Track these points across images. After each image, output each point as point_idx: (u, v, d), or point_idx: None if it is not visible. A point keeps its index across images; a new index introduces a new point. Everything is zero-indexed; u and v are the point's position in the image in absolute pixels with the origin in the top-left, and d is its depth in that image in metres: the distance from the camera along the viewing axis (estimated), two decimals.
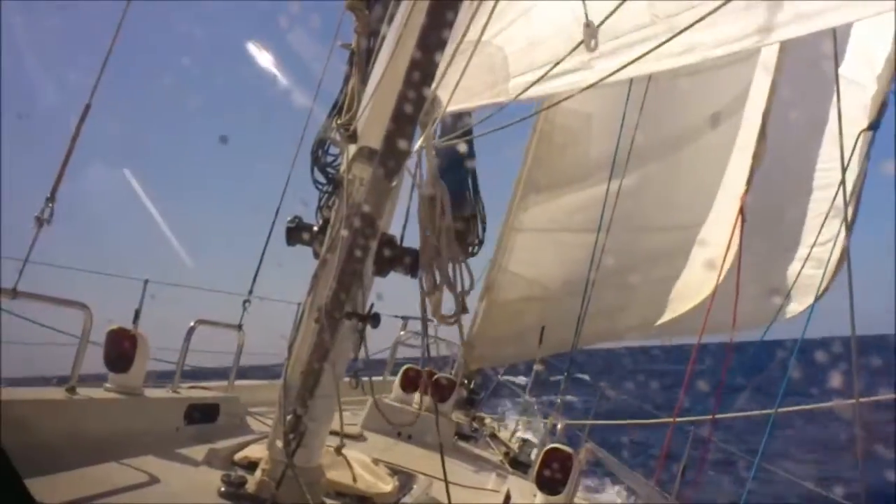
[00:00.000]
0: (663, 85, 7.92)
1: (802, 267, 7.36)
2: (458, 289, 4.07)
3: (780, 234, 8.26)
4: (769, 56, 7.33)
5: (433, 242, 3.90)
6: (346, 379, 4.14)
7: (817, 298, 7.44)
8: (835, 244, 6.90)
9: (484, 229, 5.30)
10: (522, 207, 10.12)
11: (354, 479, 4.46)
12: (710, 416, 6.82)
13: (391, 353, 9.24)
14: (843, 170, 5.28)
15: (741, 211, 7.11)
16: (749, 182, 7.39)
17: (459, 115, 4.24)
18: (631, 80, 5.90)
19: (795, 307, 8.02)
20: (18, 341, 5.29)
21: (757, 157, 7.40)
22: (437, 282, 4.01)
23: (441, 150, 4.17)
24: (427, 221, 3.89)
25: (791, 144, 7.94)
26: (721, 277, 7.18)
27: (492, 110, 3.72)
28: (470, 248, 5.14)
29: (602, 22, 2.63)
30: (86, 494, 3.19)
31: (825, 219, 6.99)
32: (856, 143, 6.63)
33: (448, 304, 4.15)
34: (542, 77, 3.08)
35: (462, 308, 4.18)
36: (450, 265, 4.02)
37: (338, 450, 4.30)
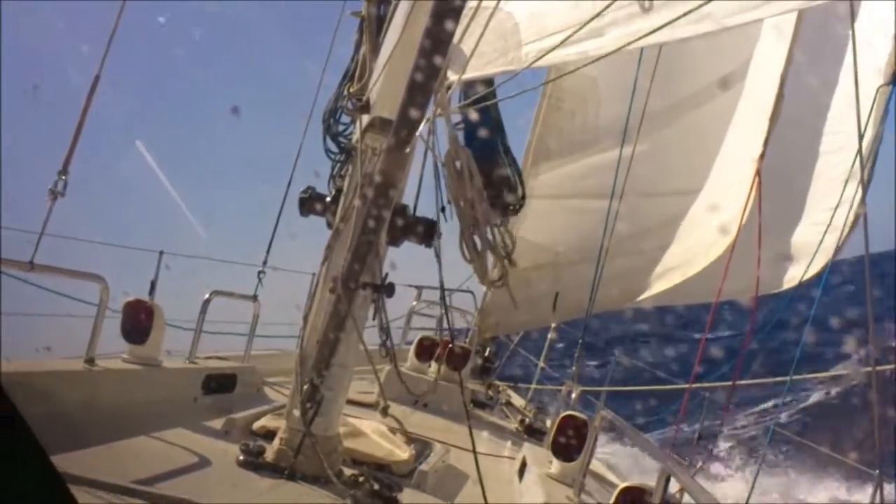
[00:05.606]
0: (674, 47, 7.79)
1: (825, 231, 7.24)
2: (502, 252, 4.07)
3: (794, 198, 8.16)
4: (783, 17, 7.19)
5: (468, 211, 3.88)
6: (374, 348, 4.17)
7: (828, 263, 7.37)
8: (850, 206, 6.81)
9: (522, 186, 5.29)
10: (533, 174, 10.06)
11: (372, 448, 4.50)
12: (729, 383, 6.82)
13: (406, 323, 9.27)
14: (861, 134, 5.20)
15: (758, 173, 7.03)
16: (766, 144, 7.30)
17: (472, 84, 4.20)
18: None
19: (808, 271, 7.94)
20: (35, 314, 5.32)
21: (774, 118, 7.29)
22: (479, 248, 4.00)
23: (464, 115, 4.13)
24: (457, 191, 3.87)
25: (804, 106, 7.82)
26: (734, 240, 7.14)
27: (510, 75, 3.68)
28: (511, 207, 5.14)
29: None
30: (107, 469, 3.21)
31: (847, 181, 6.87)
32: (874, 101, 6.51)
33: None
34: (556, 44, 3.04)
35: (506, 270, 4.18)
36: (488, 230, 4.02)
37: (384, 411, 4.33)
